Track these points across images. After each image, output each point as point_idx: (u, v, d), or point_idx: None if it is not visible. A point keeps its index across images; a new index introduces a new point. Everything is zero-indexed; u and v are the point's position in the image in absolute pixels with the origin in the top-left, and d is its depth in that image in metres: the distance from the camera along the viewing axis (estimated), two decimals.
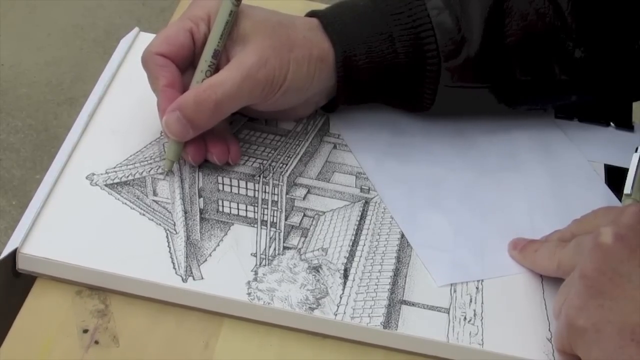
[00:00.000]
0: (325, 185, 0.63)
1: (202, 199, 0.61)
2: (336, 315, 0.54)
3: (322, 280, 0.56)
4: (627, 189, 0.62)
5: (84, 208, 0.58)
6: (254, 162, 0.64)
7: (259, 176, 0.63)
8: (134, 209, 0.59)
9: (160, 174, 0.61)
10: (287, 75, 0.60)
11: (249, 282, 0.55)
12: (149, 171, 0.62)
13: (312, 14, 0.65)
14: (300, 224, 0.60)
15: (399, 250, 0.60)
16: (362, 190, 0.64)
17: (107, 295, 0.55)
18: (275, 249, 0.58)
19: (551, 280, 0.58)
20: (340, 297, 0.56)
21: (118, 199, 0.59)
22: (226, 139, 0.63)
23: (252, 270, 0.56)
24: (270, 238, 0.59)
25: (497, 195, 0.65)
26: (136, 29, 0.72)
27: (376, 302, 0.56)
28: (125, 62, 0.69)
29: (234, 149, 0.63)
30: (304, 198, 0.62)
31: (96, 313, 0.54)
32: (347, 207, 0.62)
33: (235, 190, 0.62)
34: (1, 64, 1.89)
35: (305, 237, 0.59)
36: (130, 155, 0.62)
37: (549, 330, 0.56)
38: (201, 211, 0.60)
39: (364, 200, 0.63)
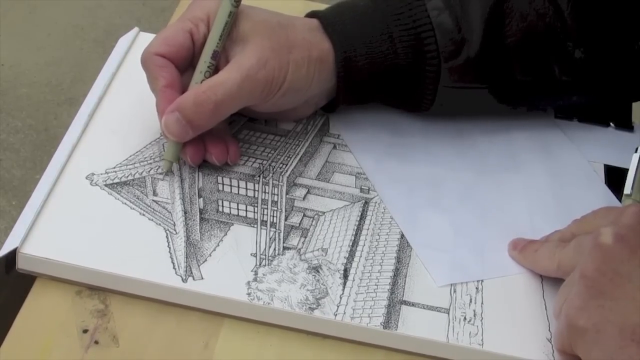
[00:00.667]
0: (325, 185, 0.63)
1: (202, 199, 0.61)
2: (336, 315, 0.54)
3: (322, 281, 0.56)
4: (627, 189, 0.62)
5: (83, 208, 0.58)
6: (254, 162, 0.64)
7: (259, 176, 0.63)
8: (133, 209, 0.59)
9: (160, 174, 0.61)
10: (287, 77, 0.60)
11: (248, 282, 0.55)
12: (149, 171, 0.62)
13: (312, 15, 0.65)
14: (300, 224, 0.60)
15: (399, 250, 0.60)
16: (362, 190, 0.64)
17: (107, 295, 0.55)
18: (275, 249, 0.58)
19: (551, 281, 0.58)
20: (340, 297, 0.56)
21: (118, 199, 0.59)
22: (225, 140, 0.63)
23: (252, 271, 0.56)
24: (270, 238, 0.59)
25: (497, 196, 0.65)
26: (136, 29, 0.72)
27: (376, 302, 0.56)
28: (125, 62, 0.69)
29: (233, 149, 0.63)
30: (303, 198, 0.62)
31: (96, 313, 0.54)
32: (347, 207, 0.62)
33: (235, 190, 0.62)
34: (1, 64, 1.89)
35: (305, 237, 0.59)
36: (130, 155, 0.62)
37: (549, 330, 0.56)
38: (201, 211, 0.60)
39: (363, 201, 0.63)
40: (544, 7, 0.64)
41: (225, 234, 0.58)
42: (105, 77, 0.68)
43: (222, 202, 0.61)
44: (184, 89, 0.60)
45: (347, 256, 0.58)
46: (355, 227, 0.61)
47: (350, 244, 0.59)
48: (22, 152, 1.73)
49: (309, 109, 0.67)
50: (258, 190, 0.62)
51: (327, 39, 0.63)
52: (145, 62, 0.61)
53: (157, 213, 0.59)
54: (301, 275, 0.56)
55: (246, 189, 0.62)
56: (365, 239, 0.60)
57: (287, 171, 0.64)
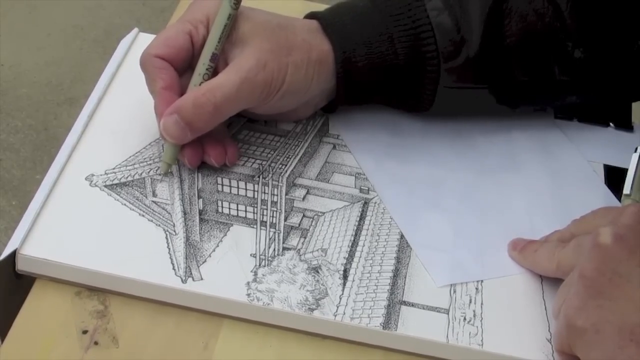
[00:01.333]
0: (324, 185, 0.63)
1: (201, 199, 0.61)
2: (336, 315, 0.54)
3: (321, 281, 0.56)
4: (627, 189, 0.62)
5: (83, 209, 0.58)
6: (254, 162, 0.64)
7: (259, 177, 0.63)
8: (133, 209, 0.59)
9: (159, 175, 0.61)
10: (285, 79, 0.60)
11: (248, 283, 0.55)
12: (149, 172, 0.62)
13: (311, 16, 0.65)
14: (299, 225, 0.60)
15: (399, 250, 0.60)
16: (361, 190, 0.64)
17: (107, 296, 0.55)
18: (274, 250, 0.58)
19: (551, 281, 0.58)
20: (340, 298, 0.56)
21: (117, 200, 0.59)
22: (223, 141, 0.63)
23: (251, 271, 0.56)
24: (270, 239, 0.59)
25: (497, 196, 0.65)
26: (136, 30, 0.72)
27: (376, 303, 0.56)
28: (125, 62, 0.69)
29: (232, 151, 0.63)
30: (303, 199, 0.62)
31: (95, 314, 0.54)
32: (347, 207, 0.62)
33: (234, 191, 0.62)
34: (1, 64, 1.89)
35: (305, 237, 0.59)
36: (130, 156, 0.62)
37: (549, 330, 0.56)
38: (200, 212, 0.60)
39: (363, 201, 0.63)
40: (544, 6, 0.64)
41: (225, 235, 0.58)
42: (105, 78, 0.68)
43: (222, 203, 0.61)
44: (182, 91, 0.60)
45: (346, 257, 0.58)
46: (355, 228, 0.61)
47: (350, 244, 0.59)
48: (22, 152, 1.73)
49: (308, 109, 0.67)
50: (257, 191, 0.62)
51: (327, 40, 0.63)
52: (144, 63, 0.61)
53: (157, 214, 0.59)
54: (301, 276, 0.56)
55: (246, 189, 0.62)
56: (365, 240, 0.60)
57: (286, 172, 0.64)
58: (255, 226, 0.59)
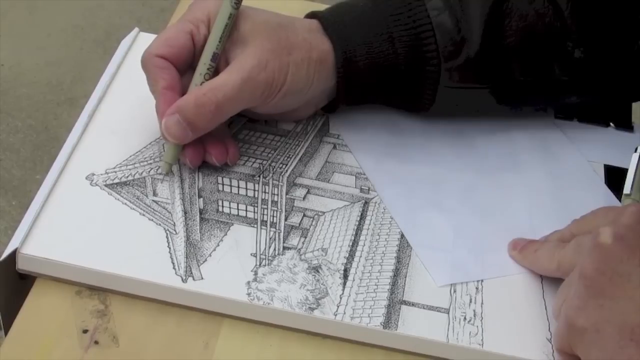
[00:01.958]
0: (325, 185, 0.63)
1: (201, 199, 0.61)
2: (336, 315, 0.54)
3: (321, 281, 0.56)
4: (627, 189, 0.62)
5: (83, 208, 0.58)
6: (254, 162, 0.64)
7: (259, 176, 0.63)
8: (133, 209, 0.59)
9: (160, 174, 0.62)
10: (287, 78, 0.60)
11: (248, 282, 0.55)
12: (149, 171, 0.62)
13: (312, 15, 0.65)
14: (300, 224, 0.60)
15: (399, 250, 0.60)
16: (361, 190, 0.64)
17: (107, 296, 0.55)
18: (275, 249, 0.58)
19: (551, 281, 0.58)
20: (340, 297, 0.56)
21: (118, 199, 0.59)
22: (224, 140, 0.63)
23: (251, 271, 0.56)
24: (270, 238, 0.59)
25: (497, 196, 0.65)
26: (136, 29, 0.72)
27: (376, 302, 0.56)
28: (125, 62, 0.69)
29: (232, 150, 0.63)
30: (303, 198, 0.62)
31: (96, 313, 0.54)
32: (347, 207, 0.62)
33: (235, 190, 0.62)
34: (1, 64, 1.89)
35: (305, 237, 0.59)
36: (130, 156, 0.62)
37: (549, 330, 0.56)
38: (201, 211, 0.60)
39: (363, 201, 0.63)
40: (544, 7, 0.64)
41: (225, 234, 0.58)
42: (106, 78, 0.68)
43: (222, 202, 0.61)
44: (183, 91, 0.60)
45: (347, 256, 0.58)
46: (355, 227, 0.61)
47: (350, 244, 0.59)
48: (22, 152, 1.73)
49: (309, 109, 0.67)
50: (258, 190, 0.62)
51: (327, 40, 0.63)
52: (146, 63, 0.61)
53: (157, 213, 0.59)
54: (301, 275, 0.57)
55: (246, 189, 0.62)
56: (365, 239, 0.60)
57: (287, 171, 0.64)
58: (255, 226, 0.59)
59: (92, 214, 0.58)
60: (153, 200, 0.60)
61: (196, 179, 0.62)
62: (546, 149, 0.69)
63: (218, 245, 0.58)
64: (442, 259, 0.59)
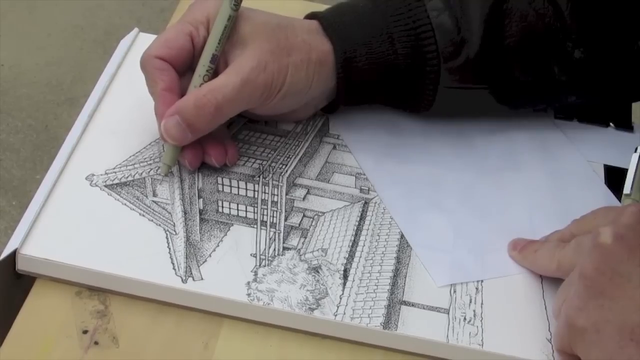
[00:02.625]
0: (324, 185, 0.63)
1: (201, 199, 0.61)
2: (336, 315, 0.54)
3: (321, 281, 0.56)
4: (627, 189, 0.62)
5: (83, 209, 0.58)
6: (254, 162, 0.64)
7: (259, 177, 0.63)
8: (133, 209, 0.59)
9: (160, 175, 0.61)
10: (286, 79, 0.60)
11: (248, 283, 0.55)
12: (149, 172, 0.62)
13: (311, 16, 0.65)
14: (299, 225, 0.60)
15: (399, 250, 0.60)
16: (361, 190, 0.64)
17: (107, 296, 0.55)
18: (275, 250, 0.58)
19: (551, 281, 0.58)
20: (340, 298, 0.56)
21: (118, 200, 0.59)
22: (224, 141, 0.63)
23: (251, 271, 0.56)
24: (270, 239, 0.59)
25: (497, 196, 0.65)
26: (136, 30, 0.72)
27: (376, 303, 0.56)
28: (125, 62, 0.69)
29: (232, 151, 0.63)
30: (303, 198, 0.62)
31: (96, 314, 0.54)
32: (347, 207, 0.62)
33: (234, 190, 0.62)
34: (1, 64, 1.89)
35: (305, 237, 0.59)
36: (130, 156, 0.62)
37: (549, 330, 0.56)
38: (201, 212, 0.60)
39: (363, 201, 0.63)
40: (544, 7, 0.64)
41: (225, 235, 0.58)
42: (106, 78, 0.68)
43: (222, 203, 0.61)
44: (182, 93, 0.60)
45: (347, 256, 0.58)
46: (355, 228, 0.61)
47: (350, 244, 0.59)
48: (22, 152, 1.73)
49: (309, 110, 0.67)
50: (258, 191, 0.62)
51: (327, 40, 0.63)
52: (145, 64, 0.60)
53: (157, 214, 0.59)
54: (301, 276, 0.57)
55: (246, 189, 0.62)
56: (365, 240, 0.60)
57: (287, 171, 0.64)
58: (255, 226, 0.59)
59: (91, 214, 0.58)
60: (153, 201, 0.60)
61: (196, 179, 0.62)
62: (546, 149, 0.69)
63: (218, 245, 0.58)
64: (442, 259, 0.59)
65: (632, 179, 0.62)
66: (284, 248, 0.58)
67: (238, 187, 0.62)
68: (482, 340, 0.55)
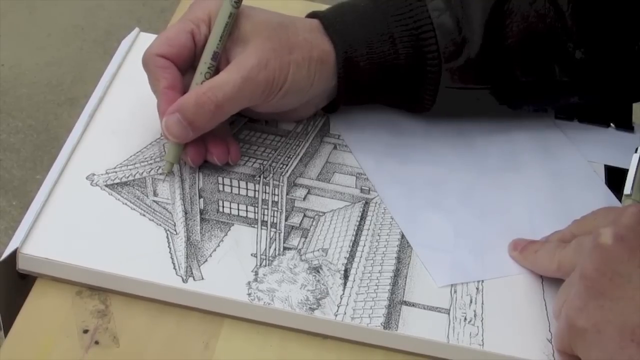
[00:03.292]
0: (325, 185, 0.63)
1: (202, 199, 0.61)
2: (336, 315, 0.54)
3: (322, 281, 0.56)
4: (627, 189, 0.62)
5: (84, 208, 0.58)
6: (254, 162, 0.64)
7: (259, 177, 0.63)
8: (134, 209, 0.59)
9: (161, 174, 0.62)
10: (287, 77, 0.60)
11: (249, 283, 0.55)
12: (149, 171, 0.62)
13: (312, 15, 0.65)
14: (300, 225, 0.60)
15: (399, 250, 0.60)
16: (362, 190, 0.64)
17: (108, 296, 0.55)
18: (275, 250, 0.58)
19: (551, 281, 0.58)
20: (341, 298, 0.56)
21: (118, 200, 0.59)
22: (226, 139, 0.63)
23: (252, 271, 0.56)
24: (271, 238, 0.59)
25: (497, 196, 0.65)
26: (137, 30, 0.72)
27: (376, 303, 0.56)
28: (126, 62, 0.69)
29: (234, 149, 0.63)
30: (304, 198, 0.62)
31: (96, 313, 0.54)
32: (348, 207, 0.62)
33: (235, 190, 0.62)
34: (1, 64, 1.89)
35: (306, 237, 0.59)
36: (131, 156, 0.62)
37: (549, 330, 0.56)
38: (201, 211, 0.60)
39: (364, 201, 0.63)
40: (545, 7, 0.65)
41: (226, 234, 0.58)
42: (106, 78, 0.68)
43: (223, 203, 0.61)
44: (185, 90, 0.60)
45: (347, 256, 0.58)
46: (356, 228, 0.61)
47: (351, 244, 0.59)
48: (23, 152, 1.73)
49: (309, 109, 0.67)
50: (258, 191, 0.62)
51: (328, 40, 0.63)
52: (147, 63, 0.61)
53: (158, 213, 0.59)
54: (301, 276, 0.57)
55: (247, 189, 0.62)
56: (366, 240, 0.60)
57: (287, 171, 0.64)
58: (256, 226, 0.59)
59: (92, 214, 0.58)
60: (153, 201, 0.60)
61: (197, 179, 0.62)
62: (546, 149, 0.69)
63: (218, 245, 0.58)
64: (443, 260, 0.59)
65: (632, 179, 0.62)
66: (285, 248, 0.58)
67: (239, 187, 0.62)
68: (482, 340, 0.55)
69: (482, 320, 0.56)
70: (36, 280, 0.55)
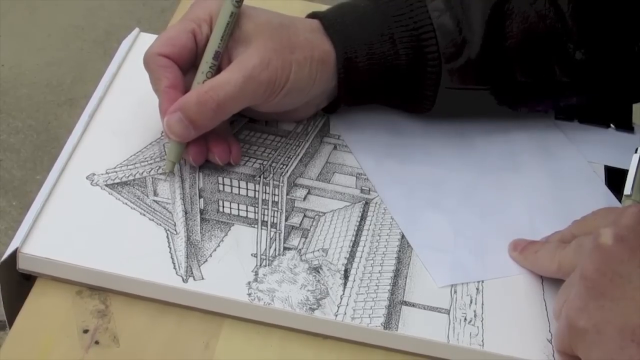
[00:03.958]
0: (325, 186, 0.63)
1: (202, 199, 0.61)
2: (336, 315, 0.54)
3: (322, 281, 0.56)
4: (627, 190, 0.62)
5: (84, 208, 0.58)
6: (255, 162, 0.64)
7: (260, 177, 0.63)
8: (134, 209, 0.59)
9: (161, 174, 0.62)
10: (289, 77, 0.60)
11: (249, 283, 0.55)
12: (150, 171, 0.62)
13: (313, 15, 0.65)
14: (300, 225, 0.60)
15: (399, 251, 0.60)
16: (362, 191, 0.64)
17: (108, 296, 0.55)
18: (275, 250, 0.58)
19: (551, 281, 0.58)
20: (341, 298, 0.56)
21: (118, 199, 0.59)
22: (227, 139, 0.63)
23: (252, 271, 0.56)
24: (271, 239, 0.59)
25: (497, 196, 0.65)
26: (137, 30, 0.72)
27: (376, 303, 0.56)
28: (126, 62, 0.69)
29: (235, 149, 0.63)
30: (304, 199, 0.62)
31: (96, 313, 0.54)
32: (348, 207, 0.62)
33: (235, 190, 0.62)
34: (1, 64, 1.89)
35: (306, 237, 0.59)
36: (131, 156, 0.63)
37: (549, 331, 0.56)
38: (201, 211, 0.60)
39: (364, 201, 0.63)
40: (545, 8, 0.65)
41: (226, 234, 0.58)
42: (107, 78, 0.68)
43: (223, 203, 0.61)
44: (186, 90, 0.60)
45: (347, 257, 0.58)
46: (356, 228, 0.61)
47: (351, 244, 0.59)
48: (23, 152, 1.73)
49: (310, 109, 0.67)
50: (258, 191, 0.62)
51: (328, 40, 0.63)
52: (148, 62, 0.61)
53: (158, 213, 0.59)
54: (302, 276, 0.57)
55: (247, 189, 0.62)
56: (366, 240, 0.60)
57: (287, 172, 0.64)
58: (256, 226, 0.60)
59: (92, 214, 0.58)
60: (154, 200, 0.60)
61: (197, 179, 0.62)
62: (546, 149, 0.69)
63: (219, 245, 0.58)
64: (443, 260, 0.59)
65: (632, 179, 0.62)
66: (285, 248, 0.58)
67: (239, 187, 0.62)
68: (482, 340, 0.55)
69: (482, 321, 0.56)
70: (36, 280, 0.55)
